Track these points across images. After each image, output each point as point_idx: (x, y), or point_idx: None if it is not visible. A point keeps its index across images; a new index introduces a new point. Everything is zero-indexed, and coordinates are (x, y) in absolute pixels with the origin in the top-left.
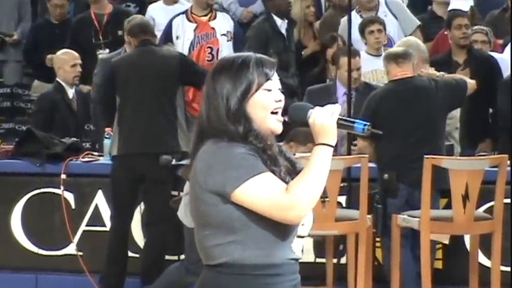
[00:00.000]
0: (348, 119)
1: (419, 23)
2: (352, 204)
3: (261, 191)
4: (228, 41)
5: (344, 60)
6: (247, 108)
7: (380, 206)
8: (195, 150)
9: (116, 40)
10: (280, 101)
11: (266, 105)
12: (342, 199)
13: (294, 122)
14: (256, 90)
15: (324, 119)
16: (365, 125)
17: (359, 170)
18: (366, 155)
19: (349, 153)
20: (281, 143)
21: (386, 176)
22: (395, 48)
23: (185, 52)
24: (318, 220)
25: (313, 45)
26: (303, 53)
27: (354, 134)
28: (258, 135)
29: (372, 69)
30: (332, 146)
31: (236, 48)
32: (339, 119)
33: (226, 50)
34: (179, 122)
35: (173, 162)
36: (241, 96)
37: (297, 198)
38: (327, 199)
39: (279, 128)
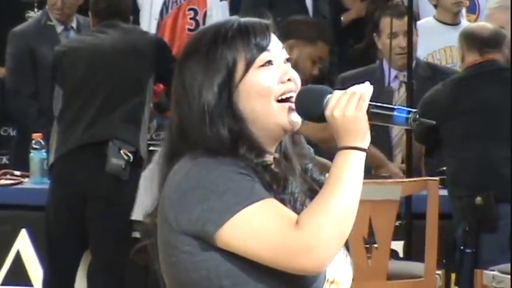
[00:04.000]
0: (383, 105)
1: None
2: (413, 253)
3: (258, 228)
4: None
5: (385, 21)
6: (236, 102)
7: (469, 249)
8: (163, 177)
9: None
10: (289, 80)
11: (264, 89)
12: (399, 245)
13: (305, 115)
14: (246, 71)
15: (348, 109)
16: (408, 112)
17: (423, 201)
18: (436, 178)
19: (409, 173)
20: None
21: (478, 199)
22: (481, 25)
23: (155, 17)
24: (361, 278)
25: (359, 6)
26: (342, 18)
27: (395, 126)
28: (253, 145)
29: (445, 45)
30: (363, 150)
31: (235, 10)
32: (370, 106)
33: (218, 13)
34: (144, 119)
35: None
36: (218, 86)
37: (314, 234)
38: (375, 245)
39: (294, 122)
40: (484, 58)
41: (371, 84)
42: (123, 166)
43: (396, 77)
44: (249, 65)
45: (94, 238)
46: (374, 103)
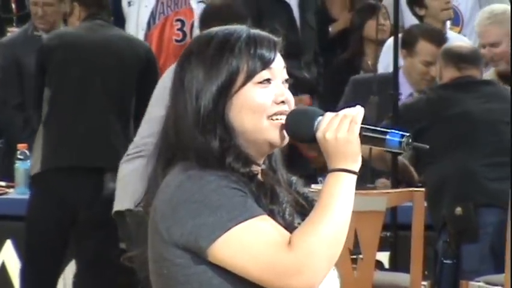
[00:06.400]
0: (376, 128)
1: None
2: (399, 264)
3: (250, 246)
4: None
5: (424, 46)
6: (228, 112)
7: (449, 261)
8: (156, 178)
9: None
10: (283, 102)
11: (258, 106)
12: (384, 256)
13: (295, 136)
14: (244, 84)
15: (340, 131)
16: (402, 136)
17: (409, 212)
18: (422, 189)
19: (394, 185)
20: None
21: (458, 209)
22: (459, 44)
23: (142, 27)
24: None
25: (347, 17)
26: (330, 29)
27: (387, 151)
28: (240, 156)
29: None
30: (354, 173)
31: None
32: (362, 129)
33: None
34: (131, 134)
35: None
36: (217, 91)
37: (305, 256)
38: (360, 256)
39: (281, 138)
40: (462, 73)
41: (383, 91)
42: None
43: (411, 94)
44: (248, 78)
45: (84, 259)
46: (366, 126)
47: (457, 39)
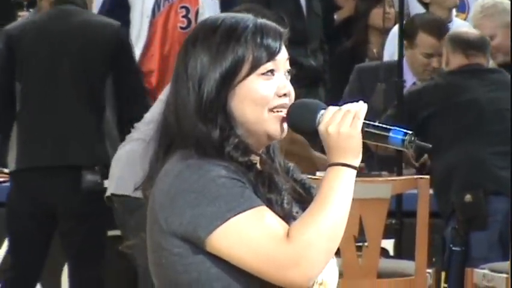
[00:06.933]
0: (379, 125)
1: None
2: (404, 251)
3: (249, 237)
4: None
5: (424, 39)
6: (230, 101)
7: (458, 248)
8: (156, 164)
9: None
10: (285, 95)
11: (260, 98)
12: (389, 244)
13: (296, 128)
14: (248, 74)
15: (342, 126)
16: (405, 133)
17: (414, 199)
18: (426, 177)
19: (399, 172)
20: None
21: (468, 196)
22: (466, 30)
23: (147, 15)
24: (352, 276)
25: (352, 4)
26: (335, 17)
27: (389, 147)
28: (239, 145)
29: None
30: (354, 168)
31: (226, 8)
32: (365, 124)
33: (210, 11)
34: (108, 125)
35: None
36: (221, 80)
37: (303, 248)
38: (365, 244)
39: (281, 131)
40: (470, 61)
41: (389, 78)
42: (99, 180)
43: (414, 83)
44: (253, 68)
45: (72, 254)
46: (369, 122)
47: (462, 26)
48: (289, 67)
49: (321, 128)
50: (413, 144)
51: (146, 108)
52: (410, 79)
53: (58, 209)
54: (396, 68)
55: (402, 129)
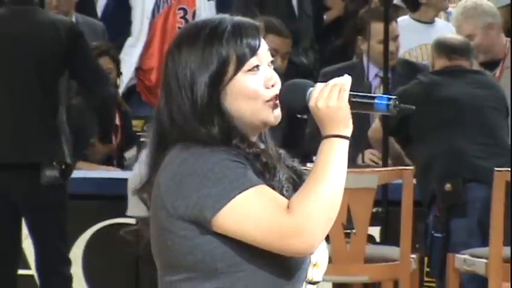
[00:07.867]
0: (364, 94)
1: None
2: (389, 238)
3: (253, 212)
4: None
5: (376, 26)
6: (223, 101)
7: (439, 234)
8: (155, 161)
9: None
10: (273, 85)
11: (252, 93)
12: (375, 231)
13: (289, 108)
14: (235, 73)
15: (330, 99)
16: (389, 99)
17: (399, 189)
18: (411, 167)
19: (385, 164)
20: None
21: (448, 185)
22: (451, 36)
23: (147, 16)
24: (341, 261)
25: (341, 5)
26: (325, 17)
27: (376, 114)
28: (244, 137)
29: (421, 43)
30: (346, 138)
31: (222, 10)
32: (351, 95)
33: (206, 12)
34: (60, 122)
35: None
36: (211, 81)
37: (304, 218)
38: (353, 231)
39: (275, 117)
40: (452, 63)
41: (353, 78)
42: (57, 175)
43: (376, 75)
44: (239, 66)
45: (41, 247)
46: (354, 93)
47: (445, 28)
48: (271, 58)
49: (311, 104)
50: (398, 107)
51: (111, 89)
52: (371, 75)
53: (22, 206)
54: (356, 67)
55: (386, 96)
